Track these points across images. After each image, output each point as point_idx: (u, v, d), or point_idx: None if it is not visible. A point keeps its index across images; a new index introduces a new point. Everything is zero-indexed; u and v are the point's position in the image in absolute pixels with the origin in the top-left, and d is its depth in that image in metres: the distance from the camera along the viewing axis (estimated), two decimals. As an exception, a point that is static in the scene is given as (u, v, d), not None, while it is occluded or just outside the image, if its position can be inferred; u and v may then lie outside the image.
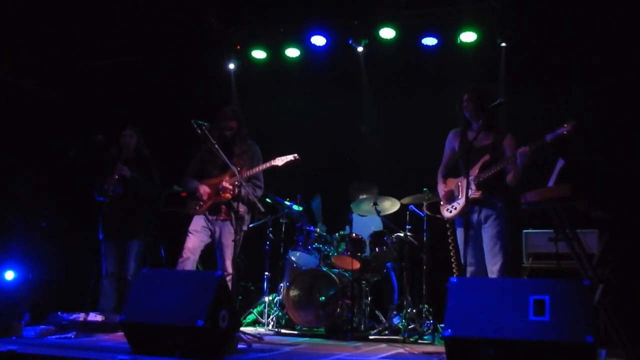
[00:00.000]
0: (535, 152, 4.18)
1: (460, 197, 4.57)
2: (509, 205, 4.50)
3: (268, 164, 5.08)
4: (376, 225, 6.37)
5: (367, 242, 5.99)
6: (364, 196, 6.26)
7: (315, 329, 5.84)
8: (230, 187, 5.01)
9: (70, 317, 4.99)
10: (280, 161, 5.06)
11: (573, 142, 4.02)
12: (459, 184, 4.61)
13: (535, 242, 5.58)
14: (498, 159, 4.46)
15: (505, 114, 5.59)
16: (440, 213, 4.79)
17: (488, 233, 4.45)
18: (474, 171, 4.45)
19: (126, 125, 5.90)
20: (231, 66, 7.77)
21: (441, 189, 4.75)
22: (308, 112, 7.64)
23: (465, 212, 4.42)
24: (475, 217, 4.50)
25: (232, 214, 4.97)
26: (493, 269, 4.37)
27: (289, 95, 7.80)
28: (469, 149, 4.36)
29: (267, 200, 6.35)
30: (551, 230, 5.39)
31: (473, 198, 4.38)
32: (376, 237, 5.97)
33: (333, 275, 5.79)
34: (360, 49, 7.25)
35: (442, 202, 4.75)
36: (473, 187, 4.38)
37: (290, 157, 5.07)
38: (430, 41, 7.06)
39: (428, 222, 5.67)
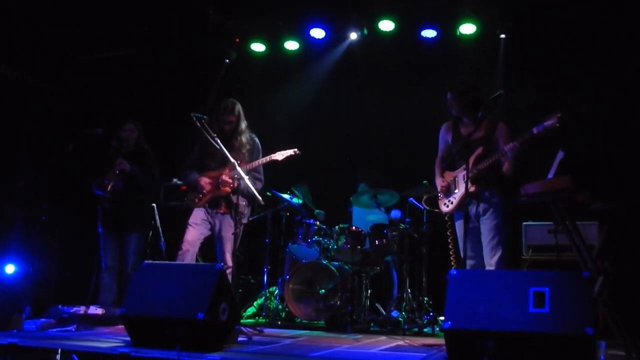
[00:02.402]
0: (525, 145, 4.17)
1: (456, 191, 4.56)
2: (506, 197, 4.50)
3: (268, 158, 5.07)
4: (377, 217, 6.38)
5: (367, 235, 5.99)
6: (365, 188, 6.27)
7: (315, 322, 5.85)
8: (230, 180, 5.01)
9: (71, 310, 5.00)
10: (280, 155, 5.05)
11: (572, 133, 4.01)
12: (455, 177, 4.61)
13: (534, 234, 5.59)
14: (491, 151, 4.43)
15: (502, 105, 5.57)
16: (438, 207, 4.79)
17: (486, 226, 4.44)
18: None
19: (126, 119, 5.89)
20: (230, 59, 7.75)
21: (438, 183, 4.75)
22: (307, 105, 7.63)
23: (465, 204, 4.43)
24: (473, 209, 4.50)
25: (231, 207, 4.97)
26: (491, 262, 4.36)
27: (288, 88, 7.79)
28: (467, 144, 4.34)
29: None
30: (551, 222, 5.40)
31: (469, 192, 4.37)
32: (376, 229, 5.97)
33: (333, 268, 5.80)
34: (356, 35, 7.22)
35: (439, 196, 4.75)
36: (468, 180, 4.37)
37: (290, 152, 5.06)
38: (429, 33, 7.05)
39: (428, 215, 5.67)
